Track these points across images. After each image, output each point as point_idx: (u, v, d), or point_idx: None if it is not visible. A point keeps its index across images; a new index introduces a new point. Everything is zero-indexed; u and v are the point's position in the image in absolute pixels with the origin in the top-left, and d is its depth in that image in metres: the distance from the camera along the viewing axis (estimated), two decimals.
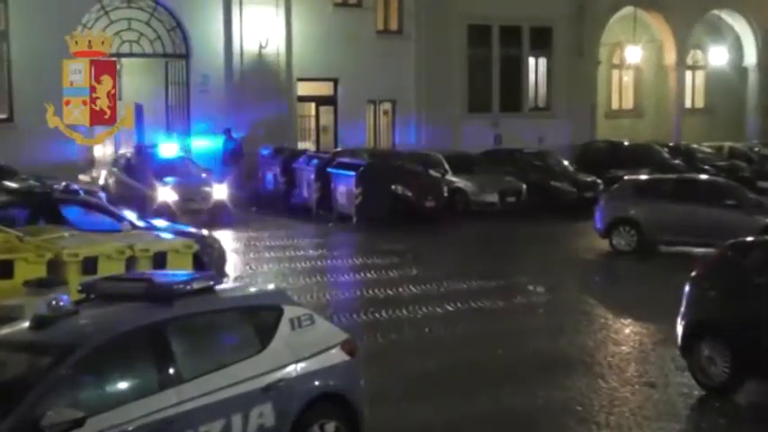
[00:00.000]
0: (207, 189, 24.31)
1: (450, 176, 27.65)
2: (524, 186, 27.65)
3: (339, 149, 29.57)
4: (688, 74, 41.62)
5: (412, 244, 21.91)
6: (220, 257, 16.21)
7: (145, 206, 22.27)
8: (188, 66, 29.07)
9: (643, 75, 41.06)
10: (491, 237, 24.07)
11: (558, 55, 35.56)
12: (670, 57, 39.87)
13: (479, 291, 17.00)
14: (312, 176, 26.01)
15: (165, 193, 23.58)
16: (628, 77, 41.36)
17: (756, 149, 35.26)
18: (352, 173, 25.12)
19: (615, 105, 41.11)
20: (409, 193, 25.28)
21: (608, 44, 38.45)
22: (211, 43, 29.20)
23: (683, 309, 11.76)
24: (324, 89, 31.78)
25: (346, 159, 26.64)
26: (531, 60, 35.55)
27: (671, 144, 35.01)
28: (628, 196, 21.83)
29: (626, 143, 33.64)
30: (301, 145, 31.01)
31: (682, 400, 11.23)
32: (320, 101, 31.99)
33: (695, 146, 35.30)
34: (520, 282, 18.02)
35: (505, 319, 15.28)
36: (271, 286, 9.66)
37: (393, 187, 25.20)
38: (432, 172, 27.43)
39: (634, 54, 38.19)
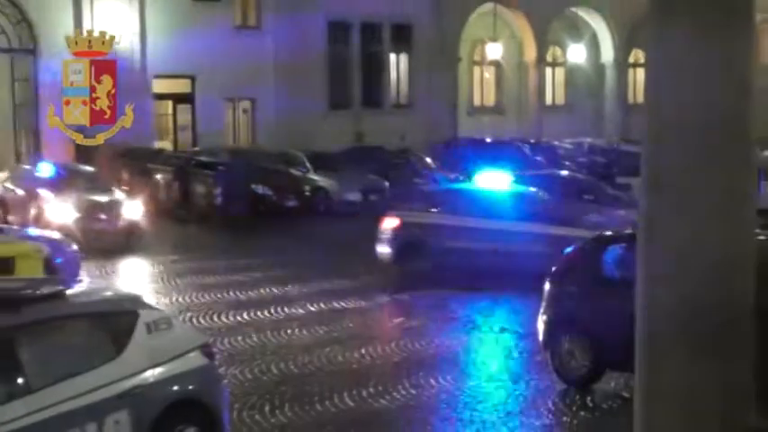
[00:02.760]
0: None
1: (311, 175, 27.69)
2: (387, 184, 27.89)
3: (197, 149, 29.29)
4: (548, 71, 42.71)
5: (274, 244, 21.87)
6: (74, 262, 15.87)
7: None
8: (36, 62, 28.30)
9: (504, 71, 41.91)
10: (354, 235, 24.10)
11: (418, 51, 36.01)
12: (530, 53, 40.85)
13: (343, 291, 17.06)
14: (170, 177, 25.68)
15: None
16: (489, 74, 42.15)
17: (615, 145, 36.37)
18: (212, 172, 24.89)
19: (477, 102, 41.84)
20: (270, 193, 25.22)
21: (469, 41, 39.14)
22: (60, 38, 28.39)
23: (543, 304, 12.08)
24: (181, 86, 31.44)
25: (205, 159, 26.40)
26: (393, 57, 35.91)
27: (532, 141, 35.81)
28: None
29: (488, 140, 34.26)
30: (158, 144, 30.58)
31: (544, 394, 11.53)
32: (177, 98, 31.64)
33: (556, 142, 36.21)
34: (383, 281, 18.12)
35: (369, 318, 15.38)
36: (126, 290, 9.49)
37: (253, 187, 25.10)
38: (293, 171, 27.42)
39: (495, 51, 38.93)
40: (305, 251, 21.42)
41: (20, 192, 22.27)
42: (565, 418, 10.76)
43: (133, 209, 21.77)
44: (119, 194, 22.35)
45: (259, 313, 15.32)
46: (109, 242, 20.53)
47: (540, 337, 12.06)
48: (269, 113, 32.35)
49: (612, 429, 10.36)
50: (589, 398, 11.27)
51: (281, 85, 32.27)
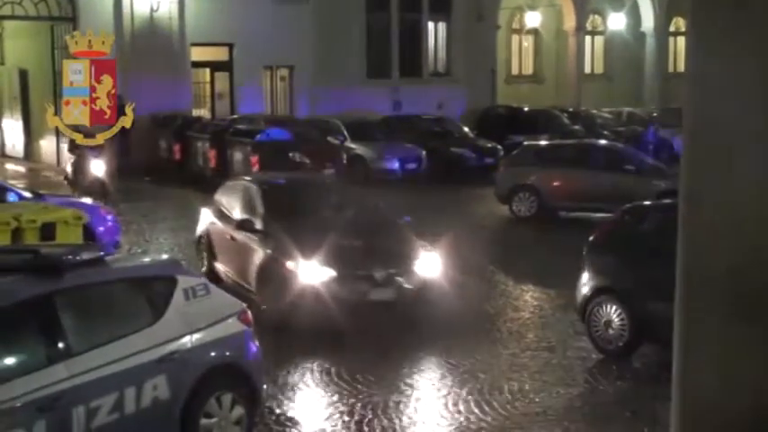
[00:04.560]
0: None
1: (349, 143, 27.67)
2: (424, 153, 27.82)
3: (235, 116, 29.35)
4: (587, 39, 42.34)
5: None
6: (113, 228, 16.02)
7: None
8: (75, 29, 28.38)
9: (543, 40, 41.62)
10: (392, 204, 24.08)
11: (457, 19, 35.78)
12: (569, 22, 40.49)
13: None
14: (207, 145, 25.76)
15: None
16: (527, 43, 41.88)
17: (655, 114, 36.09)
18: (249, 140, 24.96)
19: (515, 71, 41.61)
20: (307, 161, 25.22)
21: (508, 9, 38.85)
22: (100, 5, 28.61)
23: (581, 274, 12.02)
24: (219, 54, 31.45)
25: (243, 126, 26.44)
26: (431, 25, 35.71)
27: (571, 109, 35.60)
28: (527, 162, 22.15)
29: (526, 109, 34.09)
30: (196, 112, 30.68)
31: (580, 363, 11.52)
32: (215, 66, 31.66)
33: (595, 111, 35.97)
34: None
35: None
36: (164, 256, 9.56)
37: (291, 154, 25.10)
38: (330, 139, 27.40)
39: (533, 19, 38.67)
40: None
41: (232, 225, 13.60)
42: (602, 388, 10.73)
43: (429, 263, 13.02)
44: (406, 235, 13.53)
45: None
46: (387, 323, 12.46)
47: (578, 306, 12.02)
48: (307, 81, 32.31)
49: (650, 399, 10.32)
50: (627, 368, 11.23)
51: (320, 53, 32.21)
